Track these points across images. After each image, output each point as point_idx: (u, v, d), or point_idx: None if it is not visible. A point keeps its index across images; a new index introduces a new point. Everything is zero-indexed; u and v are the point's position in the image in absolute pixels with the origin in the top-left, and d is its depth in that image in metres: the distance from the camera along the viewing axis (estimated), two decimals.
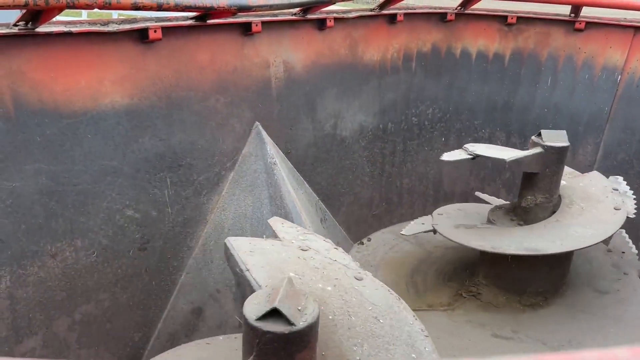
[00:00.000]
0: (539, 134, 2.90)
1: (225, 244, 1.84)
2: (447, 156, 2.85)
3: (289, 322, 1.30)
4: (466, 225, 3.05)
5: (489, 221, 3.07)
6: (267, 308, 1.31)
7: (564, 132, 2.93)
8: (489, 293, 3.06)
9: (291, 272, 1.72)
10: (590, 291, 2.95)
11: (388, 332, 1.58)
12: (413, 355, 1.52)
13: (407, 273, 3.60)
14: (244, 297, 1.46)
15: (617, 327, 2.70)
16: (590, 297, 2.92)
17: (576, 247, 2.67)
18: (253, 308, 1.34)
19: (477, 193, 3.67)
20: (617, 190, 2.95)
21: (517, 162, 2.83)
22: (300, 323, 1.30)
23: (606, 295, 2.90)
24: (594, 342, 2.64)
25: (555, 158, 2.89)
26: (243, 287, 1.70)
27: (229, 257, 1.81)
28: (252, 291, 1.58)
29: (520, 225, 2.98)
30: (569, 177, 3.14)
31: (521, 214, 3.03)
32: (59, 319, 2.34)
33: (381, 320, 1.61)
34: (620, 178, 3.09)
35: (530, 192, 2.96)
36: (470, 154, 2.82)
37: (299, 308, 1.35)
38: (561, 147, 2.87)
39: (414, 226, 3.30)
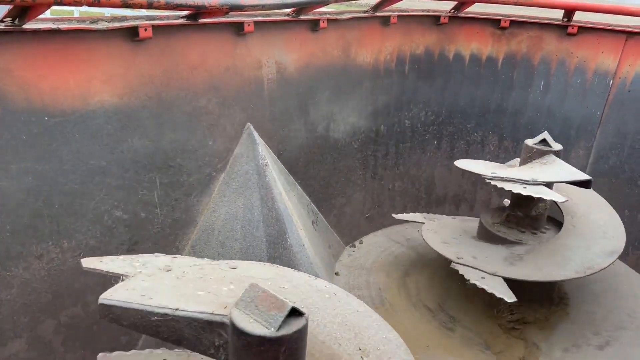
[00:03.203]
0: (543, 140, 2.91)
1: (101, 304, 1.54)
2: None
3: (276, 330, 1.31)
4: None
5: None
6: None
7: (545, 132, 3.00)
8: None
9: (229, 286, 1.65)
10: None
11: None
12: None
13: (399, 275, 3.59)
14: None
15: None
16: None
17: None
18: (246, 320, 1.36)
19: (396, 215, 3.61)
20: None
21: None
22: (280, 332, 1.29)
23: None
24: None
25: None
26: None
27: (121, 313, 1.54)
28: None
29: (534, 234, 3.01)
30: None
31: (530, 223, 3.06)
32: (44, 321, 2.30)
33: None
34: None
35: (542, 200, 2.95)
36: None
37: (256, 310, 1.34)
38: (558, 151, 2.94)
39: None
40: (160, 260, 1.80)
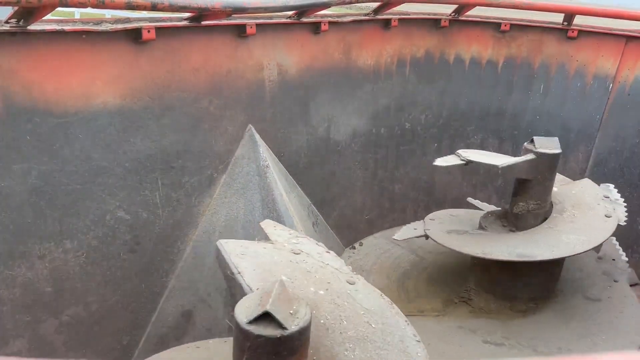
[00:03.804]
0: (532, 141, 2.91)
1: (216, 246, 1.81)
2: (440, 161, 2.85)
3: (280, 326, 1.27)
4: (458, 231, 3.05)
5: (481, 227, 3.07)
6: (259, 311, 1.29)
7: (556, 139, 2.94)
8: (480, 299, 3.06)
9: (283, 276, 1.69)
10: (581, 298, 2.94)
11: (380, 337, 1.56)
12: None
13: (398, 278, 3.59)
14: (234, 301, 1.43)
15: (607, 334, 2.71)
16: (580, 304, 2.91)
17: (567, 254, 2.67)
18: (244, 311, 1.31)
19: (469, 199, 3.67)
20: (608, 197, 2.96)
21: (509, 168, 2.83)
22: (292, 327, 1.28)
23: (597, 303, 2.90)
24: (583, 348, 2.65)
25: (547, 165, 2.89)
26: (234, 291, 1.68)
27: (220, 260, 1.78)
28: (243, 294, 1.56)
29: (512, 231, 2.98)
30: (561, 185, 3.14)
31: (513, 220, 3.03)
32: (46, 321, 2.31)
33: (373, 325, 1.59)
34: (612, 186, 3.08)
35: (523, 198, 2.97)
36: (463, 160, 2.82)
37: (291, 312, 1.33)
38: (553, 154, 2.88)
39: (406, 231, 3.29)
40: (313, 246, 1.93)
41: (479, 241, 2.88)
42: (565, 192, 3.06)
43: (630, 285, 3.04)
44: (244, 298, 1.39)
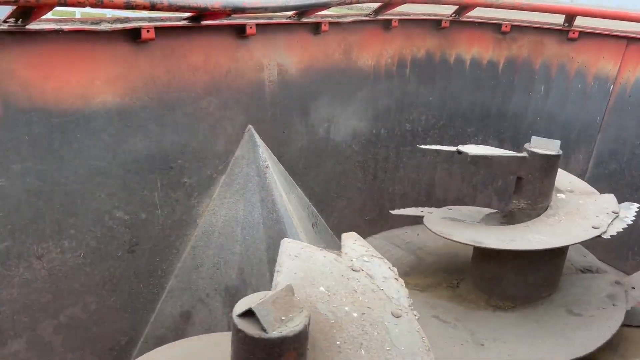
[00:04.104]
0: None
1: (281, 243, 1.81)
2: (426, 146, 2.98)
3: (262, 328, 1.28)
4: (452, 219, 3.09)
5: (482, 221, 3.10)
6: (246, 308, 1.31)
7: (558, 141, 2.93)
8: (465, 288, 3.11)
9: (322, 287, 1.63)
10: (563, 310, 2.86)
11: None
12: None
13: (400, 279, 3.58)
14: None
15: (551, 343, 2.64)
16: (555, 314, 2.84)
17: (510, 247, 2.66)
18: (243, 304, 1.34)
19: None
20: (615, 213, 2.85)
21: (484, 159, 2.83)
22: (273, 332, 1.28)
23: (574, 317, 2.80)
24: (517, 341, 2.65)
25: (539, 165, 2.88)
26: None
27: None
28: None
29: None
30: (586, 194, 3.08)
31: (508, 217, 3.05)
32: (44, 321, 2.30)
33: None
34: (635, 205, 2.93)
35: (516, 196, 3.00)
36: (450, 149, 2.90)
37: (283, 318, 1.32)
38: (543, 155, 2.87)
39: (406, 210, 3.38)
40: (382, 269, 1.84)
41: (457, 227, 2.95)
42: (571, 200, 3.03)
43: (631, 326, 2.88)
44: (253, 294, 1.40)
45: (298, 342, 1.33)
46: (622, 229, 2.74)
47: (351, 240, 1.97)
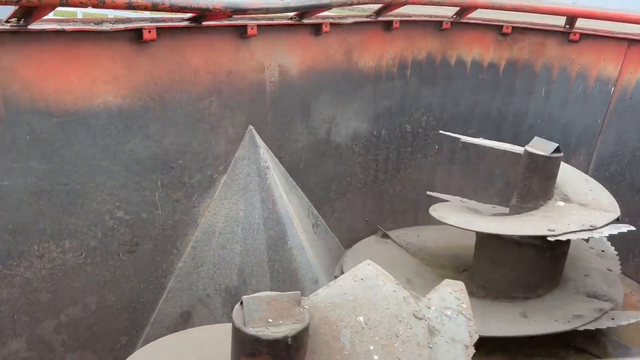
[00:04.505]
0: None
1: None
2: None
3: (243, 322, 1.33)
4: (462, 208, 3.28)
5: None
6: (240, 301, 1.37)
7: (555, 144, 2.95)
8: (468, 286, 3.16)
9: (361, 317, 1.49)
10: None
11: None
12: None
13: (399, 281, 3.58)
14: None
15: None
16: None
17: (472, 229, 2.85)
18: (249, 296, 1.40)
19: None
20: (593, 227, 2.72)
21: (475, 146, 2.98)
22: (249, 329, 1.32)
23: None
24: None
25: (528, 164, 2.92)
26: None
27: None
28: None
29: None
30: (585, 207, 3.01)
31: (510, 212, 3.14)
32: (44, 321, 2.30)
33: None
34: (624, 227, 2.72)
35: (514, 193, 3.10)
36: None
37: (270, 320, 1.32)
38: (534, 154, 2.92)
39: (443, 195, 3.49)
40: (450, 328, 1.63)
41: (458, 215, 3.08)
42: (564, 208, 3.02)
43: None
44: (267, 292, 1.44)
45: (275, 350, 1.32)
46: (582, 239, 2.72)
47: (449, 288, 1.73)
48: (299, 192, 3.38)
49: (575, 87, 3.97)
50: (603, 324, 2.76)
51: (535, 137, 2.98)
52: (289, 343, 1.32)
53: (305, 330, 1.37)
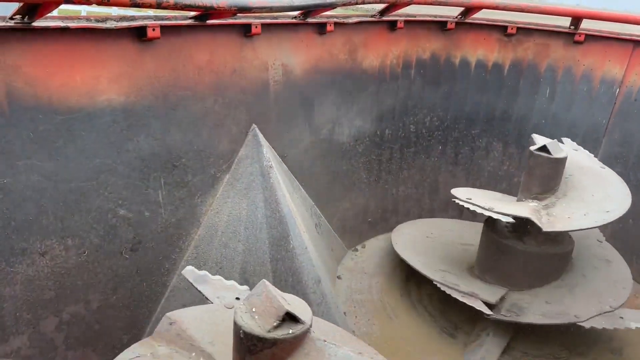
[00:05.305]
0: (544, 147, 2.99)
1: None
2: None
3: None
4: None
5: None
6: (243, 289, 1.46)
7: (557, 143, 3.00)
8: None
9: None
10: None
11: None
12: None
13: (400, 280, 3.58)
14: None
15: None
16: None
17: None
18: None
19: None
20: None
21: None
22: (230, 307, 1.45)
23: None
24: None
25: (528, 159, 3.07)
26: None
27: None
28: None
29: None
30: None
31: None
32: (46, 318, 2.30)
33: None
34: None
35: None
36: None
37: (254, 310, 1.38)
38: (529, 151, 3.04)
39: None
40: None
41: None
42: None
43: None
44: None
45: (277, 348, 1.34)
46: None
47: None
48: (302, 192, 3.38)
49: (580, 88, 3.96)
50: (612, 320, 2.78)
51: (535, 135, 3.02)
52: (291, 341, 1.35)
53: (307, 329, 1.39)
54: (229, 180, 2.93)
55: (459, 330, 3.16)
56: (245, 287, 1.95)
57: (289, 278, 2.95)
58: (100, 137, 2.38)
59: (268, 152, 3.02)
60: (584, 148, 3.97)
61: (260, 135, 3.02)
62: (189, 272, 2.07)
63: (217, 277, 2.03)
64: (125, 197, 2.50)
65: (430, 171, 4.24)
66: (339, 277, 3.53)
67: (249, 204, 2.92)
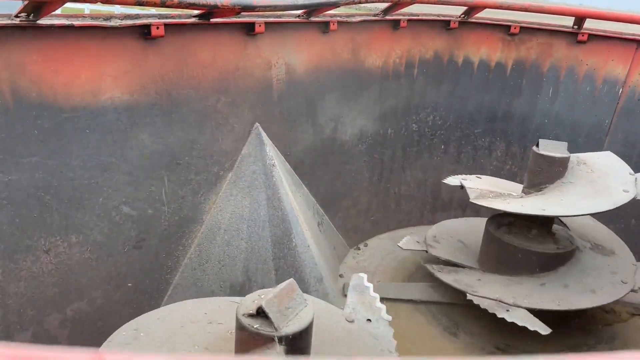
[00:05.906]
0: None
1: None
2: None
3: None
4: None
5: None
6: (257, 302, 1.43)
7: (559, 143, 3.01)
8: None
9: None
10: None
11: None
12: None
13: (403, 279, 3.59)
14: None
15: None
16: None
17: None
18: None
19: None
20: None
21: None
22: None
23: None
24: None
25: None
26: None
27: None
28: None
29: None
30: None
31: None
32: (50, 315, 2.31)
33: None
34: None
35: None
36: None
37: (255, 299, 1.44)
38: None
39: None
40: None
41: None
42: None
43: None
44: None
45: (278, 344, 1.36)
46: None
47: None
48: (305, 190, 3.38)
49: (582, 87, 3.95)
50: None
51: (543, 140, 3.00)
52: (293, 338, 1.37)
53: (309, 326, 1.40)
54: (231, 178, 2.94)
55: (461, 330, 3.16)
56: (388, 318, 1.95)
57: (291, 276, 2.96)
58: (104, 135, 2.38)
59: (271, 150, 3.03)
60: (587, 148, 3.98)
61: (263, 134, 3.03)
62: (359, 278, 2.08)
63: (376, 295, 2.02)
64: (128, 194, 2.51)
65: (432, 170, 4.24)
66: (341, 276, 3.54)
67: (252, 202, 2.93)
